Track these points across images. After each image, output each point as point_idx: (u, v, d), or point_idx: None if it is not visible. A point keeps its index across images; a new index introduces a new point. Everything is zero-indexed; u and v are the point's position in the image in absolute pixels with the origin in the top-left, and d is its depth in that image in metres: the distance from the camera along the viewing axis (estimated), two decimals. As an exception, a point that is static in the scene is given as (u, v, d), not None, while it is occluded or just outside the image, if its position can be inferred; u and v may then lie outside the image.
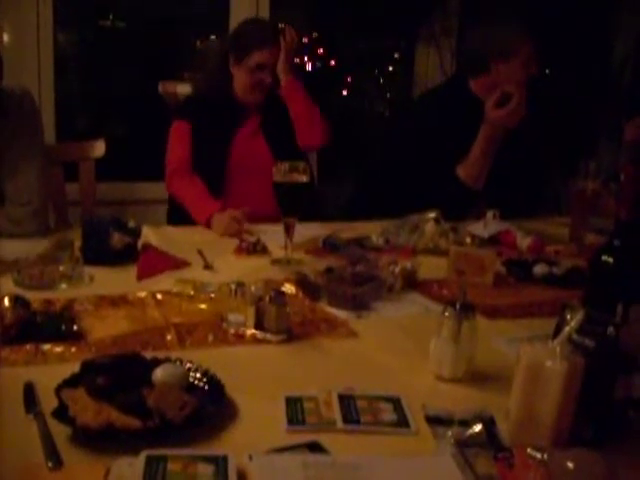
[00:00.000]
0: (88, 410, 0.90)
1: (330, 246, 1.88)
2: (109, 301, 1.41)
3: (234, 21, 3.15)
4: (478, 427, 0.92)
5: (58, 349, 1.15)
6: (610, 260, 1.05)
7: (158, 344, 1.20)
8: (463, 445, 0.89)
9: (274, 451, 0.87)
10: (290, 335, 1.25)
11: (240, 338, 1.25)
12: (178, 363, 1.05)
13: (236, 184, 2.34)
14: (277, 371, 1.15)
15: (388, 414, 0.98)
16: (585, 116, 3.53)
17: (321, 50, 3.69)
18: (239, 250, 1.82)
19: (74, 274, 1.53)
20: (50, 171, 2.20)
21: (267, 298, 1.25)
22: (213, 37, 3.60)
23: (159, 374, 0.99)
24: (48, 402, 0.94)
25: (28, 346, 1.15)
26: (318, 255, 1.83)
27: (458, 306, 1.11)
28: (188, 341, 1.22)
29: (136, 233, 1.74)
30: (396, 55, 3.94)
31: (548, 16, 3.22)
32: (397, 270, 1.57)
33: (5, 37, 2.93)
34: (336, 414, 0.97)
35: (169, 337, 1.23)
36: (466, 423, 0.94)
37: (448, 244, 1.87)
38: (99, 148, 2.55)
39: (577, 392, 0.89)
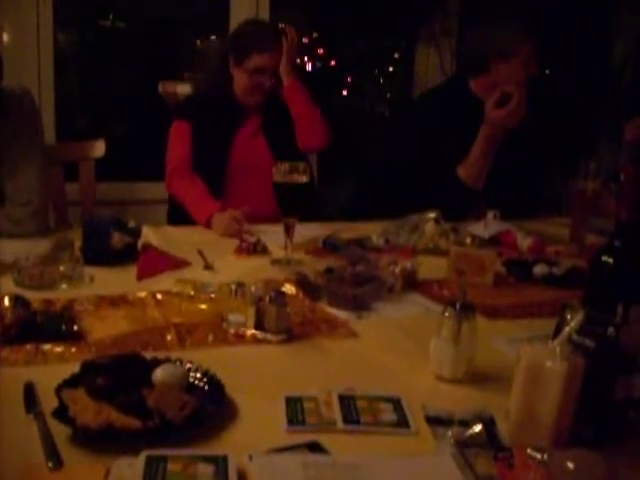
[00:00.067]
0: (88, 410, 0.90)
1: (330, 246, 1.88)
2: (109, 301, 1.41)
3: (234, 21, 3.15)
4: (478, 427, 0.92)
5: (58, 349, 1.15)
6: (610, 260, 1.05)
7: (158, 344, 1.20)
8: (463, 445, 0.89)
9: (274, 451, 0.87)
10: (290, 335, 1.26)
11: (240, 338, 1.25)
12: (178, 363, 1.05)
13: (236, 184, 2.34)
14: (277, 371, 1.15)
15: (388, 414, 0.98)
16: (585, 116, 3.53)
17: (321, 50, 3.69)
18: (239, 250, 1.82)
19: (74, 274, 1.53)
20: (50, 171, 2.20)
21: (267, 298, 1.25)
22: (213, 37, 3.60)
23: (159, 374, 0.99)
24: (48, 402, 0.94)
25: (28, 346, 1.15)
26: (318, 255, 1.83)
27: (458, 306, 1.11)
28: (188, 341, 1.22)
29: (136, 233, 1.74)
30: (396, 55, 3.94)
31: (548, 16, 3.22)
32: (397, 270, 1.57)
33: (5, 37, 2.93)
34: (336, 414, 0.97)
35: (169, 337, 1.23)
36: (466, 423, 0.94)
37: (448, 244, 1.88)
38: (99, 148, 2.55)
39: (577, 392, 0.89)
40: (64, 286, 1.49)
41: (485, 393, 1.08)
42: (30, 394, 0.99)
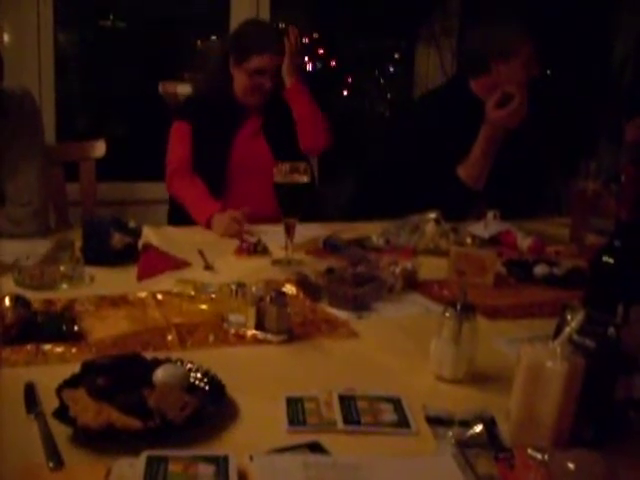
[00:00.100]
0: (89, 410, 0.90)
1: (331, 247, 1.88)
2: (110, 301, 1.41)
3: (234, 21, 3.15)
4: (479, 428, 0.92)
5: (59, 349, 1.15)
6: (611, 261, 1.05)
7: (159, 344, 1.20)
8: (464, 445, 0.89)
9: (275, 451, 0.87)
10: (291, 335, 1.26)
11: (241, 338, 1.25)
12: (179, 363, 1.05)
13: (237, 185, 2.34)
14: (278, 371, 1.15)
15: (389, 414, 0.98)
16: (585, 116, 3.53)
17: (321, 50, 3.69)
18: (240, 250, 1.82)
19: (75, 274, 1.53)
20: (50, 171, 2.20)
21: (268, 299, 1.25)
22: (214, 37, 3.60)
23: (160, 374, 0.99)
24: (49, 402, 0.94)
25: (29, 346, 1.15)
26: (319, 256, 1.83)
27: (459, 307, 1.11)
28: (189, 341, 1.22)
29: (137, 233, 1.74)
30: (396, 55, 3.94)
31: (548, 16, 3.22)
32: (398, 270, 1.57)
33: (5, 37, 2.93)
34: (337, 414, 0.97)
35: (170, 337, 1.23)
36: (467, 424, 0.94)
37: (449, 244, 1.88)
38: (99, 148, 2.55)
39: (578, 393, 0.89)
40: (64, 286, 1.49)
41: (486, 393, 1.08)
42: (31, 394, 0.99)
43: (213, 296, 1.46)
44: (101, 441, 0.87)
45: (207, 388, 1.01)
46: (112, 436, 0.87)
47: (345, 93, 3.85)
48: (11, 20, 2.94)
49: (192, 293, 1.47)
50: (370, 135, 3.61)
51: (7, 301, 1.21)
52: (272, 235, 1.89)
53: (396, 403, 1.01)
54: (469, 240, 1.95)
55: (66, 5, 3.07)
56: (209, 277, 1.60)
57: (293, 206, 1.75)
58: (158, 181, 2.49)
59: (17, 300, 1.23)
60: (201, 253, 1.76)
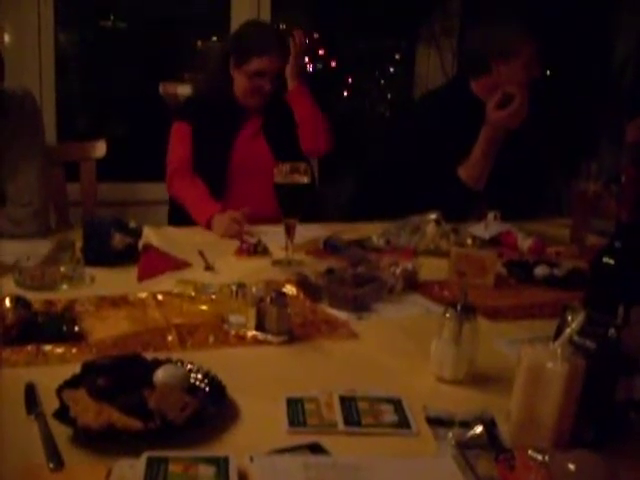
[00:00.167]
0: (89, 411, 0.90)
1: (331, 247, 1.88)
2: (110, 302, 1.41)
3: (235, 22, 3.15)
4: (479, 429, 0.92)
5: (59, 350, 1.15)
6: (611, 262, 1.05)
7: (159, 345, 1.20)
8: (464, 446, 0.89)
9: (275, 452, 0.87)
10: (291, 336, 1.26)
11: (241, 339, 1.25)
12: (179, 364, 1.05)
13: (237, 185, 2.33)
14: (278, 372, 1.15)
15: (389, 415, 0.98)
16: (586, 117, 3.53)
17: (322, 51, 3.69)
18: (240, 251, 1.82)
19: (75, 275, 1.53)
20: (51, 171, 2.20)
21: (268, 299, 1.25)
22: (214, 38, 3.60)
23: (160, 375, 0.99)
24: (49, 403, 0.94)
25: (29, 347, 1.15)
26: (319, 256, 1.83)
27: (459, 307, 1.11)
28: (189, 342, 1.22)
29: (137, 234, 1.74)
30: (397, 56, 3.93)
31: (548, 16, 3.22)
32: (398, 271, 1.57)
33: (6, 38, 2.93)
34: (337, 415, 0.97)
35: (170, 338, 1.23)
36: (467, 424, 0.94)
37: (449, 245, 1.88)
38: (100, 148, 2.55)
39: (578, 394, 0.89)
40: (65, 287, 1.49)
41: (486, 394, 1.08)
42: (31, 395, 0.99)
43: (213, 297, 1.46)
44: (101, 442, 0.87)
45: (207, 389, 1.01)
46: (112, 437, 0.87)
47: (345, 93, 3.85)
48: (12, 20, 2.94)
49: (192, 294, 1.47)
50: (370, 135, 3.61)
51: (8, 302, 1.22)
52: (272, 236, 1.89)
53: (396, 404, 1.01)
54: (469, 241, 1.95)
55: (66, 5, 3.08)
56: (209, 278, 1.60)
57: (293, 207, 1.75)
58: (159, 181, 2.49)
59: (17, 301, 1.23)
60: (201, 254, 1.76)
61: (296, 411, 0.98)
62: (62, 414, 0.90)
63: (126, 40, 3.45)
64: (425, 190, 2.16)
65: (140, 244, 1.75)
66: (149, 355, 1.09)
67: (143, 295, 1.46)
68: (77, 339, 1.20)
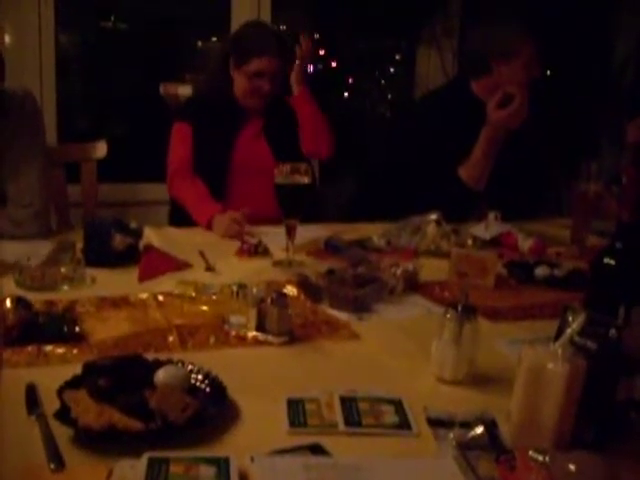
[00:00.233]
0: (90, 412, 0.90)
1: (332, 248, 1.88)
2: (111, 302, 1.41)
3: (235, 22, 3.15)
4: (480, 429, 0.92)
5: (60, 350, 1.15)
6: (612, 262, 1.05)
7: (160, 346, 1.20)
8: (465, 447, 0.89)
9: (276, 453, 0.87)
10: (292, 337, 1.26)
11: (242, 340, 1.25)
12: (180, 365, 1.05)
13: (238, 186, 2.33)
14: (279, 373, 1.15)
15: (390, 416, 0.98)
16: (586, 117, 3.53)
17: (322, 51, 3.70)
18: (241, 252, 1.82)
19: (76, 275, 1.53)
20: (52, 172, 2.20)
21: (269, 300, 1.25)
22: (214, 39, 3.60)
23: (161, 376, 0.99)
24: (50, 403, 0.94)
25: (30, 347, 1.15)
26: (320, 257, 1.83)
27: (460, 308, 1.11)
28: (190, 343, 1.22)
29: (138, 234, 1.74)
30: (397, 56, 3.94)
31: (548, 16, 3.22)
32: (399, 272, 1.57)
33: (7, 38, 2.94)
34: (338, 416, 0.97)
35: (171, 339, 1.23)
36: (468, 425, 0.94)
37: (449, 246, 1.88)
38: (101, 149, 2.55)
39: (579, 394, 0.89)
40: (66, 287, 1.49)
41: (487, 395, 1.08)
42: (32, 395, 0.99)
43: (214, 297, 1.46)
44: (102, 442, 0.87)
45: (208, 389, 1.01)
46: (113, 437, 0.87)
47: (346, 94, 3.85)
48: (12, 21, 2.94)
49: (193, 294, 1.47)
50: (371, 136, 3.61)
51: (8, 302, 1.21)
52: (273, 236, 1.89)
53: (397, 405, 1.01)
54: (470, 241, 1.95)
55: (67, 6, 3.08)
56: (210, 278, 1.60)
57: (294, 207, 1.76)
58: (159, 182, 2.49)
59: (18, 301, 1.23)
60: (202, 254, 1.76)
61: (297, 411, 0.98)
62: (63, 415, 0.90)
63: (127, 41, 3.46)
64: (425, 190, 2.16)
65: (141, 245, 1.75)
66: (150, 356, 1.09)
67: (144, 296, 1.46)
68: (78, 340, 1.20)
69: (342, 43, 3.77)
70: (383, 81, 3.94)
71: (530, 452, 0.84)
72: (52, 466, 0.82)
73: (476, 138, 2.24)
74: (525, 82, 2.27)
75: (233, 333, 1.27)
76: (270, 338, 1.24)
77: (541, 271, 1.69)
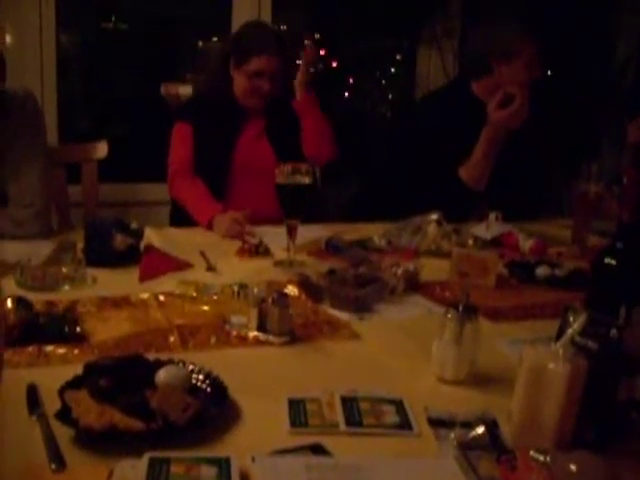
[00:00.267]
0: (91, 412, 0.90)
1: (332, 248, 1.88)
2: (112, 302, 1.41)
3: (236, 22, 3.15)
4: (481, 429, 0.92)
5: (61, 351, 1.15)
6: (613, 262, 1.05)
7: (161, 346, 1.20)
8: (466, 447, 0.89)
9: (277, 453, 0.87)
10: (292, 337, 1.26)
11: (243, 340, 1.25)
12: (181, 365, 1.05)
13: (239, 186, 2.33)
14: (280, 373, 1.15)
15: (390, 416, 0.98)
16: (587, 117, 3.53)
17: (323, 52, 3.69)
18: (242, 252, 1.82)
19: (77, 275, 1.53)
20: (52, 172, 2.20)
21: (270, 300, 1.25)
22: (215, 39, 3.60)
23: (162, 376, 0.99)
24: (51, 404, 0.94)
25: (31, 348, 1.15)
26: (321, 257, 1.83)
27: (460, 308, 1.11)
28: (191, 343, 1.22)
29: (139, 234, 1.74)
30: (398, 56, 3.94)
31: (549, 17, 3.22)
32: (399, 272, 1.57)
33: (8, 38, 2.94)
34: (339, 416, 0.97)
35: (172, 339, 1.23)
36: (469, 425, 0.94)
37: (450, 246, 1.88)
38: (101, 149, 2.55)
39: (580, 394, 0.89)
40: (67, 287, 1.49)
41: (487, 395, 1.08)
42: (33, 396, 0.99)
43: (215, 297, 1.46)
44: (103, 442, 0.87)
45: (209, 389, 1.01)
46: (114, 437, 0.87)
47: (346, 94, 3.85)
48: (13, 21, 2.94)
49: (194, 294, 1.47)
50: (371, 136, 3.61)
51: (9, 303, 1.21)
52: (274, 236, 1.89)
53: (398, 405, 1.01)
54: (471, 241, 1.95)
55: (68, 6, 3.08)
56: (211, 278, 1.60)
57: (295, 207, 1.75)
58: (160, 182, 2.49)
59: (19, 302, 1.23)
60: (203, 254, 1.76)
61: (298, 411, 0.98)
62: (64, 415, 0.91)
63: (127, 41, 3.46)
64: (426, 190, 2.16)
65: (142, 245, 1.75)
66: (151, 356, 1.09)
67: (145, 296, 1.46)
68: (79, 340, 1.20)
69: (342, 43, 3.77)
70: (384, 81, 3.94)
71: (531, 452, 0.85)
72: (53, 466, 0.83)
73: (477, 138, 2.24)
74: (526, 82, 2.27)
75: (234, 333, 1.27)
76: (271, 338, 1.24)
77: (542, 271, 1.70)
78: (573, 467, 0.79)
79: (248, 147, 2.36)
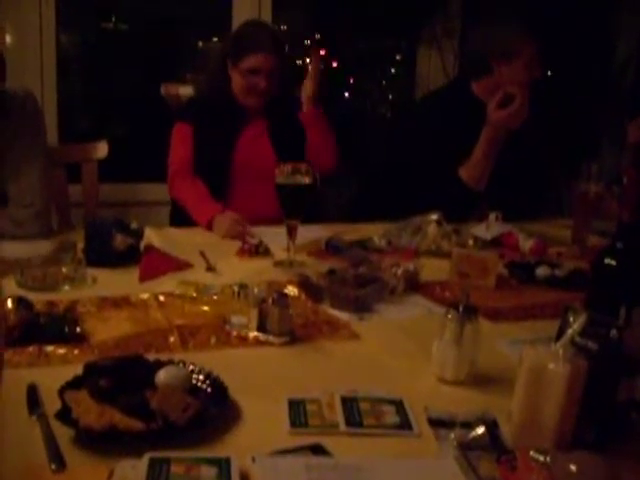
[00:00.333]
0: (91, 412, 0.90)
1: (332, 248, 1.88)
2: (112, 303, 1.41)
3: (236, 22, 3.15)
4: (481, 429, 0.92)
5: (61, 351, 1.15)
6: (613, 262, 1.05)
7: (161, 346, 1.20)
8: (466, 448, 0.89)
9: (277, 453, 0.87)
10: (293, 337, 1.26)
11: (243, 340, 1.25)
12: (181, 365, 1.05)
13: (239, 186, 2.33)
14: (280, 373, 1.15)
15: (391, 416, 0.98)
16: (587, 117, 3.53)
17: (323, 52, 3.69)
18: (242, 252, 1.82)
19: (77, 276, 1.53)
20: (53, 172, 2.20)
21: (270, 300, 1.25)
22: (215, 39, 3.60)
23: (162, 376, 0.99)
24: (51, 404, 0.94)
25: (31, 348, 1.15)
26: (321, 257, 1.83)
27: (461, 308, 1.11)
28: (191, 343, 1.22)
29: (139, 234, 1.74)
30: (398, 57, 3.94)
31: (549, 17, 3.22)
32: (399, 272, 1.57)
33: (8, 38, 2.94)
34: (339, 416, 0.97)
35: (172, 339, 1.23)
36: (469, 425, 0.94)
37: (450, 246, 1.88)
38: (102, 149, 2.55)
39: (580, 395, 0.89)
40: (67, 287, 1.49)
41: (487, 395, 1.08)
42: (33, 396, 0.99)
43: (215, 297, 1.46)
44: (103, 443, 0.87)
45: (209, 390, 1.01)
46: (114, 438, 0.87)
47: (347, 94, 3.85)
48: (13, 21, 2.94)
49: (194, 294, 1.47)
50: (372, 136, 3.61)
51: (10, 303, 1.22)
52: (274, 236, 1.89)
53: (398, 405, 1.01)
54: (471, 242, 1.95)
55: (68, 7, 3.08)
56: (211, 278, 1.60)
57: (295, 207, 1.75)
58: (160, 182, 2.49)
59: (19, 302, 1.23)
60: (203, 254, 1.76)
61: (298, 412, 0.98)
62: (64, 415, 0.91)
63: (128, 41, 3.46)
64: (426, 191, 2.16)
65: (142, 245, 1.75)
66: (151, 356, 1.09)
67: (145, 296, 1.46)
68: (79, 340, 1.20)
69: (343, 43, 3.76)
70: (384, 81, 3.94)
71: (531, 452, 0.85)
72: (53, 466, 0.83)
73: (477, 138, 2.24)
74: (526, 82, 2.27)
75: (234, 333, 1.27)
76: (271, 338, 1.24)
77: (542, 271, 1.70)
78: (573, 467, 0.79)
79: (248, 147, 2.36)
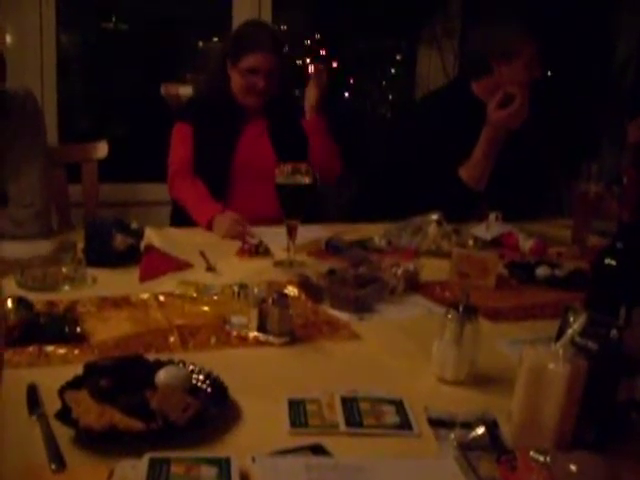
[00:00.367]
0: (91, 412, 0.90)
1: (333, 248, 1.88)
2: (112, 303, 1.41)
3: (236, 22, 3.14)
4: (481, 430, 0.92)
5: (61, 351, 1.15)
6: (613, 262, 1.05)
7: (161, 346, 1.20)
8: (466, 448, 0.89)
9: (277, 453, 0.87)
10: (293, 337, 1.26)
11: (243, 340, 1.25)
12: (181, 365, 1.05)
13: (239, 186, 2.33)
14: (280, 373, 1.15)
15: (391, 416, 0.98)
16: (587, 117, 3.53)
17: (323, 52, 3.69)
18: (242, 252, 1.82)
19: (77, 276, 1.53)
20: (53, 172, 2.20)
21: (270, 300, 1.25)
22: (215, 39, 3.60)
23: (162, 376, 0.99)
24: (51, 404, 0.94)
25: (31, 348, 1.15)
26: (321, 257, 1.83)
27: (461, 308, 1.11)
28: (191, 343, 1.22)
29: (139, 234, 1.74)
30: (398, 57, 3.94)
31: (549, 17, 3.22)
32: (399, 272, 1.57)
33: (8, 38, 2.94)
34: (339, 416, 0.97)
35: (172, 339, 1.23)
36: (469, 425, 0.94)
37: (450, 246, 1.88)
38: (102, 149, 2.55)
39: (580, 395, 0.89)
40: (67, 288, 1.49)
41: (488, 395, 1.08)
42: (33, 396, 0.99)
43: (215, 297, 1.46)
44: (103, 443, 0.87)
45: (209, 390, 1.01)
46: (114, 438, 0.87)
47: (347, 94, 3.85)
48: (13, 21, 2.94)
49: (194, 294, 1.47)
50: (372, 136, 3.61)
51: (10, 303, 1.22)
52: (274, 236, 1.89)
53: (398, 405, 1.01)
54: (471, 242, 1.95)
55: (68, 7, 3.08)
56: (211, 278, 1.60)
57: (295, 207, 1.75)
58: (160, 182, 2.49)
59: (19, 302, 1.23)
60: (203, 254, 1.76)
61: (298, 412, 0.98)
62: (64, 415, 0.91)
63: (128, 41, 3.46)
64: (426, 191, 2.16)
65: (142, 245, 1.75)
66: (151, 356, 1.09)
67: (145, 296, 1.46)
68: (79, 340, 1.20)
69: (343, 43, 3.77)
70: (384, 81, 3.94)
71: (531, 452, 0.85)
72: (53, 466, 0.83)
73: (477, 138, 2.24)
74: (526, 82, 2.27)
75: (234, 333, 1.27)
76: (271, 338, 1.24)
77: (542, 271, 1.70)
78: (573, 467, 0.79)
79: (248, 147, 2.36)
